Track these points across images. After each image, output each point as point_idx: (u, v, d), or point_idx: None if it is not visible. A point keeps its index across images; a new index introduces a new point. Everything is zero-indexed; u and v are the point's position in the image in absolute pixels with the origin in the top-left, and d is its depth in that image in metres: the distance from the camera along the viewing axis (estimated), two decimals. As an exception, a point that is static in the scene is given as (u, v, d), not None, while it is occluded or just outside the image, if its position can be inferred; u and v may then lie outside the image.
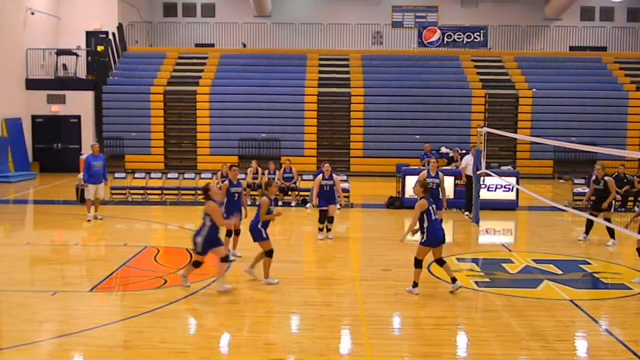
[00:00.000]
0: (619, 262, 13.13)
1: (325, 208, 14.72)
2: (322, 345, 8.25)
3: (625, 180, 19.85)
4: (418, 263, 10.42)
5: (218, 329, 8.94)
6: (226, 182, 12.60)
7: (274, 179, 19.88)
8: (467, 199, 18.09)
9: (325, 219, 14.78)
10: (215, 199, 10.49)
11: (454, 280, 10.45)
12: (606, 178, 14.44)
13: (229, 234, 12.50)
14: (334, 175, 14.88)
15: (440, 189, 14.28)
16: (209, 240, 10.27)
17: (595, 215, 14.10)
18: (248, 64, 31.78)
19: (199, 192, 20.61)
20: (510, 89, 30.25)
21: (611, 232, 14.45)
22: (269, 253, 10.92)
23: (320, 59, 32.19)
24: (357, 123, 29.34)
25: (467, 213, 17.98)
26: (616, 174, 19.95)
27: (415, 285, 10.47)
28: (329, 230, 14.87)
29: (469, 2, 36.01)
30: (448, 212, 18.41)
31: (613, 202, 14.43)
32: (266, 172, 20.32)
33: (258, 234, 10.89)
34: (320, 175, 14.88)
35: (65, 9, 31.98)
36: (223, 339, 8.60)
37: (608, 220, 13.89)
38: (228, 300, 10.16)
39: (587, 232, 14.87)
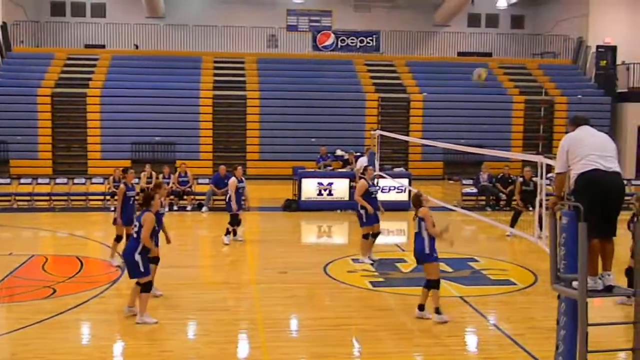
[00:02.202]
0: (504, 258, 13.74)
1: (238, 212, 14.58)
2: (218, 350, 8.20)
3: (510, 181, 20.67)
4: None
5: (111, 338, 8.70)
6: (122, 185, 12.29)
7: (168, 183, 19.59)
8: None
9: (238, 223, 14.69)
10: (154, 209, 9.39)
11: (437, 310, 9.39)
12: (534, 179, 15.32)
13: (118, 239, 12.19)
14: (243, 179, 14.90)
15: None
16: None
17: (520, 212, 15.61)
18: (141, 66, 31.09)
19: (89, 197, 20.07)
20: (402, 93, 31.03)
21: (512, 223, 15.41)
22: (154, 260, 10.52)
23: (215, 62, 31.91)
24: (253, 126, 29.30)
25: None
26: (501, 174, 20.86)
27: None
28: (235, 233, 14.82)
29: (361, 7, 36.65)
30: (344, 214, 18.81)
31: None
32: (160, 176, 19.96)
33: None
34: (235, 179, 14.65)
35: (-58, 5, 30.24)
36: (117, 349, 8.40)
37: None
38: (122, 308, 9.90)
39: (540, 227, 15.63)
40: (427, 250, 9.34)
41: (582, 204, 6.05)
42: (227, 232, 14.62)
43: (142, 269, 9.09)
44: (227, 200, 14.77)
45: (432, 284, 9.34)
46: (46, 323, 9.05)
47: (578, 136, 6.71)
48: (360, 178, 13.54)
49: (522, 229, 14.06)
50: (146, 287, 9.16)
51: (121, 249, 10.80)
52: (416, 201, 9.74)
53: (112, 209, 18.99)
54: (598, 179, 6.37)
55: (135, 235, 9.21)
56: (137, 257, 9.06)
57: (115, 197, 19.22)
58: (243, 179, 14.82)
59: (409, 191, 19.51)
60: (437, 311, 9.27)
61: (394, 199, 19.63)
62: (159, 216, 9.84)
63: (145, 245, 9.09)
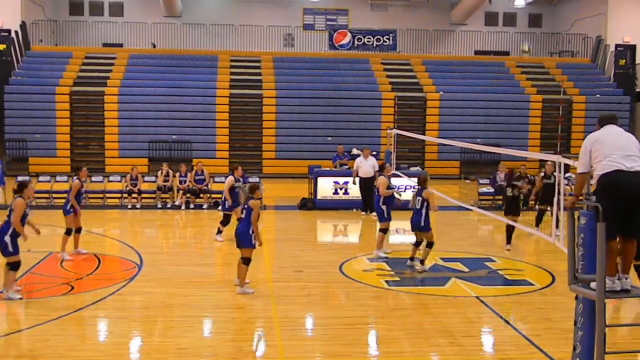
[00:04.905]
0: (522, 259, 13.65)
1: (231, 212, 14.66)
2: (234, 348, 8.22)
3: (527, 180, 20.58)
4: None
5: (128, 335, 8.75)
6: (77, 181, 12.72)
7: (185, 181, 19.66)
8: (365, 200, 18.44)
9: (227, 222, 14.80)
10: (26, 196, 10.44)
11: (421, 262, 12.06)
12: (556, 174, 15.22)
13: (68, 232, 12.80)
14: (241, 179, 15.08)
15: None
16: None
17: (544, 209, 15.56)
18: (158, 65, 31.24)
19: (107, 195, 20.18)
20: (419, 92, 30.94)
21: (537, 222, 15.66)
22: (247, 260, 10.51)
23: (232, 61, 31.99)
24: (269, 125, 29.34)
25: (364, 213, 18.56)
26: (518, 174, 20.70)
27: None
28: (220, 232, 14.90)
29: (378, 6, 36.59)
30: (355, 213, 18.87)
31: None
32: (177, 174, 20.04)
33: (247, 240, 10.46)
34: (232, 177, 14.74)
35: (-37, 5, 30.52)
36: (133, 345, 8.44)
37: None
38: (139, 305, 9.98)
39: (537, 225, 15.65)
40: (422, 223, 12.15)
41: (604, 204, 5.99)
42: (219, 231, 14.77)
43: (10, 249, 9.93)
44: (223, 199, 14.96)
45: (432, 244, 12.17)
46: (64, 319, 9.13)
47: (601, 136, 6.60)
48: (380, 175, 14.01)
49: (540, 229, 13.98)
50: (13, 266, 9.96)
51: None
52: (424, 182, 12.33)
53: (129, 206, 19.24)
54: (620, 179, 6.27)
55: (7, 219, 10.01)
56: (7, 238, 9.90)
57: (133, 195, 19.55)
58: (240, 179, 14.97)
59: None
60: (422, 262, 12.08)
61: (409, 199, 19.50)
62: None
63: (16, 229, 9.93)
